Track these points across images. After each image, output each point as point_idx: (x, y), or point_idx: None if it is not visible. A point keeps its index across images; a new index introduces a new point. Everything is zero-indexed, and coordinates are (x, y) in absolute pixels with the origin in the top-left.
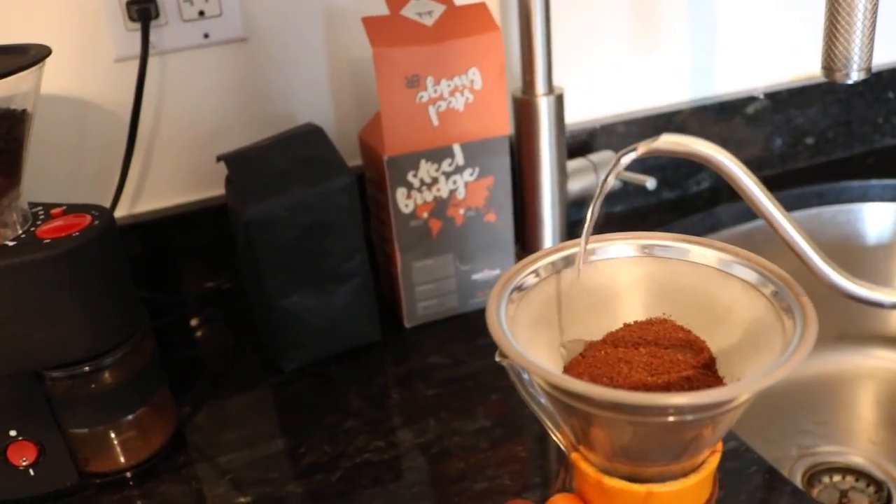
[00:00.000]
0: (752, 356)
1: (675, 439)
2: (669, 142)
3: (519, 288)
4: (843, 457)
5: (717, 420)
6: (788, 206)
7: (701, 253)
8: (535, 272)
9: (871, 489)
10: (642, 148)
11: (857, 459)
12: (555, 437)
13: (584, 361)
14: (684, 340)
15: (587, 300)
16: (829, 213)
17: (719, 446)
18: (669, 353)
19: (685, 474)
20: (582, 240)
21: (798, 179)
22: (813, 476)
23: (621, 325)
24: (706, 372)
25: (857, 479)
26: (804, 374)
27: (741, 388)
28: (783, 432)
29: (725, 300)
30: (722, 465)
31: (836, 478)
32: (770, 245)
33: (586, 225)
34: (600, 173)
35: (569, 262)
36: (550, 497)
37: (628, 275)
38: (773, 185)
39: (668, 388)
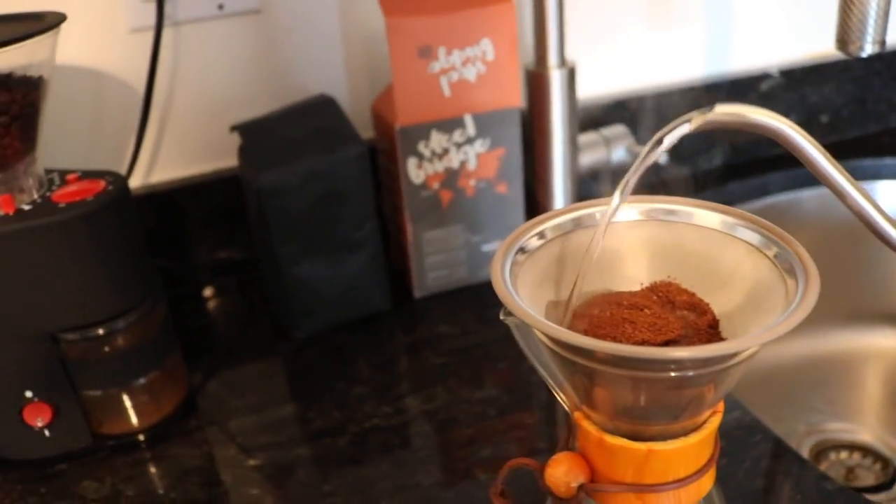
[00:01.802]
0: (754, 317)
1: (675, 397)
2: (724, 112)
3: (524, 248)
4: (850, 434)
5: (717, 378)
6: (801, 183)
7: (704, 216)
8: (541, 233)
9: (878, 466)
10: (696, 121)
11: (864, 437)
12: (558, 397)
13: (589, 321)
14: (688, 303)
15: (593, 263)
16: None
17: (720, 407)
18: (673, 314)
19: (686, 434)
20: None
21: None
22: (820, 452)
23: (626, 288)
24: (710, 332)
25: (863, 456)
26: (814, 352)
27: (741, 342)
28: (792, 409)
29: (729, 263)
30: (726, 433)
31: (843, 454)
32: (781, 222)
33: (615, 198)
34: (611, 147)
35: (576, 224)
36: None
37: (633, 238)
38: (786, 162)
39: (670, 346)
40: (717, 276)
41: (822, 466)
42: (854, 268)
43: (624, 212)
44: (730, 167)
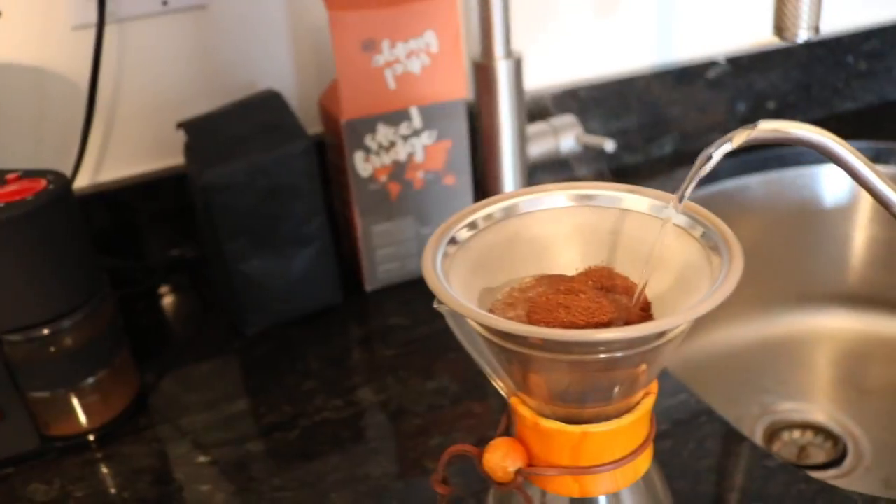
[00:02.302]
0: (684, 297)
1: (608, 379)
2: (767, 129)
3: (455, 239)
4: (802, 414)
5: (648, 358)
6: (749, 169)
7: (633, 200)
8: (472, 223)
9: (829, 444)
10: (739, 137)
11: (816, 416)
12: (494, 384)
13: (524, 307)
14: (622, 287)
15: (526, 250)
16: (790, 176)
17: (654, 388)
18: (607, 298)
19: (620, 415)
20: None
21: (759, 143)
22: (773, 432)
23: (561, 274)
24: (642, 314)
25: (815, 435)
26: (765, 335)
27: (666, 322)
28: (745, 391)
29: (659, 245)
30: (672, 416)
31: (796, 433)
32: (730, 208)
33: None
34: (560, 137)
35: (507, 213)
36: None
37: (566, 224)
38: (735, 149)
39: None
40: (647, 258)
41: (776, 446)
42: (802, 251)
43: (555, 198)
44: (680, 154)
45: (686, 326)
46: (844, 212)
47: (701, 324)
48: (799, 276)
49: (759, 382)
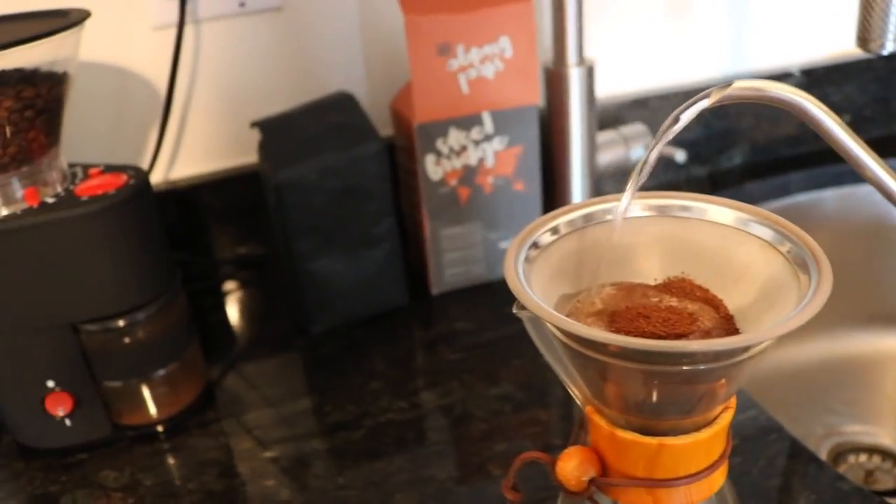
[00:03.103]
0: (767, 313)
1: (688, 392)
2: (742, 87)
3: (537, 244)
4: (869, 437)
5: (729, 373)
6: (824, 183)
7: (718, 212)
8: (555, 229)
9: None
10: (715, 95)
11: (884, 440)
12: (570, 391)
13: (603, 315)
14: (703, 299)
15: (606, 258)
16: (864, 191)
17: (732, 403)
18: (688, 309)
19: (698, 429)
20: (627, 191)
21: (834, 157)
22: (839, 455)
23: (641, 282)
24: (723, 327)
25: (883, 459)
26: (834, 354)
27: (752, 336)
28: (810, 411)
29: (743, 259)
30: (741, 432)
31: (862, 457)
32: (802, 222)
33: (633, 177)
34: (630, 146)
35: (590, 219)
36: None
37: (647, 234)
38: (808, 161)
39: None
40: (730, 271)
41: (841, 469)
42: (875, 269)
43: (638, 207)
44: (749, 166)
45: (771, 342)
46: None
47: None
48: (870, 294)
49: (825, 403)
